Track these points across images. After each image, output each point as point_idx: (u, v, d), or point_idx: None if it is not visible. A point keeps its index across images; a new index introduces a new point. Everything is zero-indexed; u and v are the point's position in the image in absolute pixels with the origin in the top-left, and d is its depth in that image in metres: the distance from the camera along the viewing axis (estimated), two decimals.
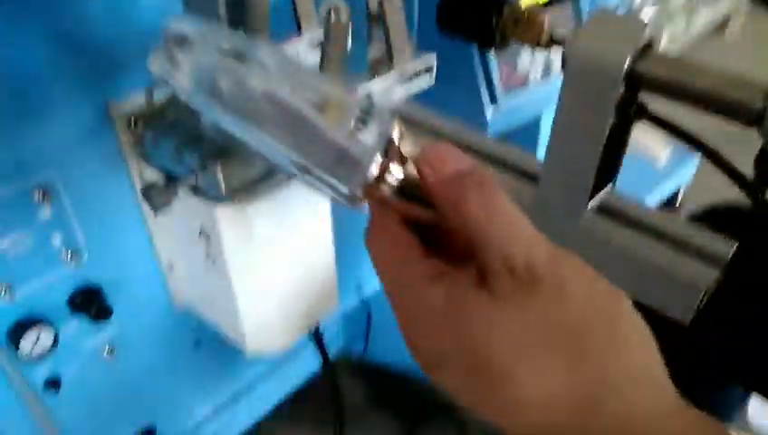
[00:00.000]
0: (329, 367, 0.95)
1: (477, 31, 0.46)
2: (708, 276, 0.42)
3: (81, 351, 0.78)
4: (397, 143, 0.31)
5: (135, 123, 0.74)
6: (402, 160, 0.31)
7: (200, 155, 0.64)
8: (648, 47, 0.40)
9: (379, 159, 0.30)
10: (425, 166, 0.30)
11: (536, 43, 0.44)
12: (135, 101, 0.73)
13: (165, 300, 0.86)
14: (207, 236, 0.74)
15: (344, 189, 0.32)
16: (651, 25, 0.40)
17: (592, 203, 0.46)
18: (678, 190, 1.71)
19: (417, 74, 0.59)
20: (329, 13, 0.52)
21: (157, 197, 0.63)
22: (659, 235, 0.46)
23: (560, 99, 0.43)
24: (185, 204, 0.70)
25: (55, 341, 0.73)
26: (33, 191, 0.68)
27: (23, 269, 0.70)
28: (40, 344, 0.72)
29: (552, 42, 0.44)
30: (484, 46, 0.46)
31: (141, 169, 0.76)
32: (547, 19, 0.44)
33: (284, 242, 0.75)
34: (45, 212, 0.70)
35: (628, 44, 0.39)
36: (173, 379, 0.92)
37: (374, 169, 0.30)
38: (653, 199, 1.55)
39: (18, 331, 0.70)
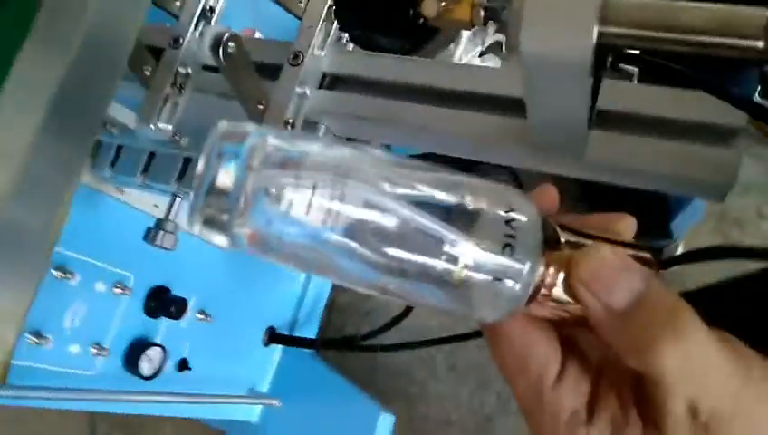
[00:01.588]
0: None
1: (395, 25, 0.36)
2: (733, 156, 0.41)
3: (184, 334, 0.87)
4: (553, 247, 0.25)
5: None
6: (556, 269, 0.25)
7: None
8: None
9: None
10: (587, 294, 0.24)
11: (470, 25, 0.35)
12: None
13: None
14: None
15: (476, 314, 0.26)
16: None
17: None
18: None
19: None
20: (218, 45, 0.43)
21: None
22: (669, 127, 0.42)
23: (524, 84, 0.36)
24: None
25: (162, 348, 0.81)
26: (51, 270, 0.69)
27: (95, 326, 0.74)
28: (154, 360, 0.81)
29: (487, 19, 0.35)
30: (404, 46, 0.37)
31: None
32: None
33: None
34: (73, 280, 0.71)
35: (586, 18, 0.32)
36: (265, 286, 1.01)
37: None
38: None
39: (132, 364, 0.78)
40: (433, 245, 0.23)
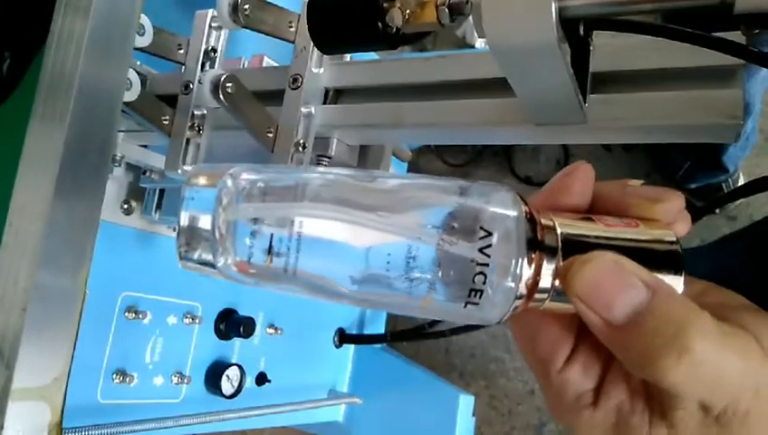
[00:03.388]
0: None
1: (368, 40, 0.38)
2: (735, 95, 0.40)
3: (257, 350, 0.91)
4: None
5: None
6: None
7: None
8: None
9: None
10: (584, 309, 0.23)
11: (440, 25, 0.36)
12: None
13: None
14: None
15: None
16: None
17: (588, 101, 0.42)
18: None
19: None
20: (217, 88, 0.46)
21: None
22: (667, 77, 0.42)
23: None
24: None
25: (239, 367, 0.86)
26: (123, 313, 0.74)
27: (174, 357, 0.80)
28: (234, 379, 0.86)
29: (454, 15, 0.36)
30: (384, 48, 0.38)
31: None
32: None
33: None
34: (146, 319, 0.76)
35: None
36: None
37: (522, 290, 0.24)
38: None
39: (213, 386, 0.84)
40: (400, 272, 0.24)
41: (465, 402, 1.03)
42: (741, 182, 1.14)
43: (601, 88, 0.43)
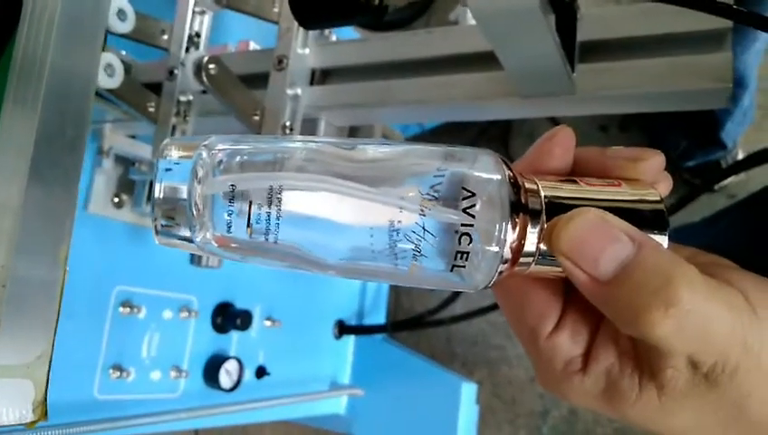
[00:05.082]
0: None
1: (350, 13, 0.37)
2: (725, 59, 0.39)
3: (255, 343, 0.91)
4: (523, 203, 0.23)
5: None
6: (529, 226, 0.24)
7: None
8: None
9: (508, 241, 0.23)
10: (570, 265, 0.23)
11: None
12: None
13: None
14: None
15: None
16: None
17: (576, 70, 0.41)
18: None
19: None
20: (200, 70, 0.45)
21: None
22: (657, 44, 0.41)
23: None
24: None
25: (238, 360, 0.86)
26: (118, 308, 0.73)
27: (171, 351, 0.79)
28: (232, 372, 0.85)
29: None
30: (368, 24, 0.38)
31: None
32: None
33: None
34: (141, 314, 0.76)
35: None
36: (325, 282, 1.04)
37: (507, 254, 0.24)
38: None
39: (212, 379, 0.83)
40: (384, 242, 0.24)
41: (468, 391, 1.02)
42: (740, 157, 1.13)
43: (590, 57, 0.43)
